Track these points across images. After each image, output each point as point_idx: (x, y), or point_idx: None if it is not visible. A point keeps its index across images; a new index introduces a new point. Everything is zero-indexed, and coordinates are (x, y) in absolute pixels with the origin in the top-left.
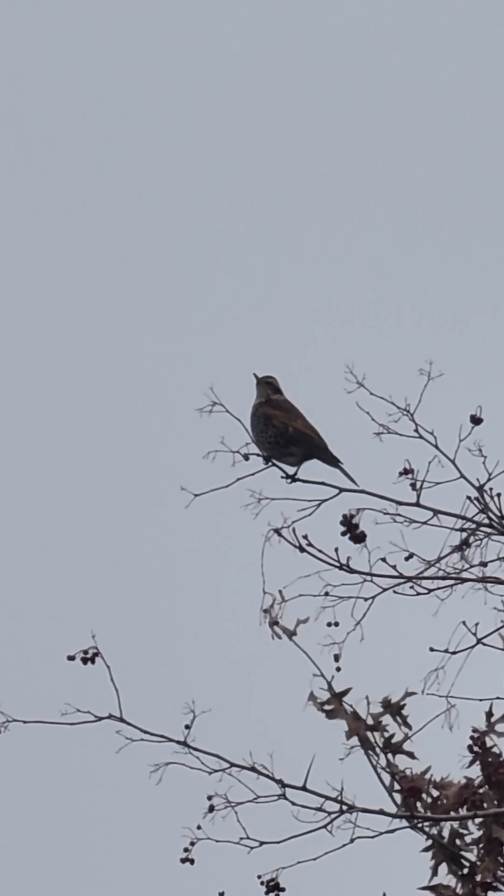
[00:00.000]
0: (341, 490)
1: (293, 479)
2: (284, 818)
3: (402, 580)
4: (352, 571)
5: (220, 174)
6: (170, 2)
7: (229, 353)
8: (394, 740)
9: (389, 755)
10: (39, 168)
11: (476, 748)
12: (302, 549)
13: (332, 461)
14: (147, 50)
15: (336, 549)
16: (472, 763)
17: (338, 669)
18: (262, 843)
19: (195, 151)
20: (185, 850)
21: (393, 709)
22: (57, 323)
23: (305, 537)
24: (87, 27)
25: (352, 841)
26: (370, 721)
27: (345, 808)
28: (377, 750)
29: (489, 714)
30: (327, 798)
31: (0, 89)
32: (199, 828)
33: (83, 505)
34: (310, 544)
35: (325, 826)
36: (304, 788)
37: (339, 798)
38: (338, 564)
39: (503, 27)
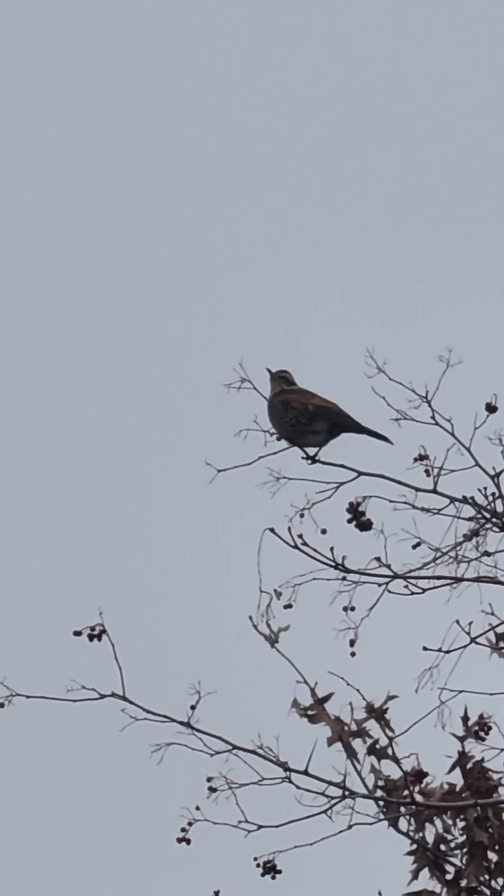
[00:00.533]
0: (360, 473)
1: (314, 459)
2: (283, 803)
3: (397, 578)
4: (346, 571)
5: (236, 162)
6: (170, 2)
7: (255, 336)
8: (378, 745)
9: (374, 759)
10: (49, 161)
11: (482, 734)
12: (296, 548)
13: (360, 428)
14: (147, 50)
15: (332, 549)
16: (452, 769)
17: (353, 654)
18: (260, 827)
19: (219, 134)
20: (183, 829)
21: (377, 713)
22: (87, 301)
23: (300, 536)
24: (87, 27)
25: (349, 827)
26: (354, 727)
27: (347, 793)
28: (358, 757)
29: (465, 718)
30: (330, 783)
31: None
32: (197, 808)
33: (97, 481)
34: (305, 543)
35: (325, 811)
36: (306, 773)
37: (343, 783)
38: (332, 564)
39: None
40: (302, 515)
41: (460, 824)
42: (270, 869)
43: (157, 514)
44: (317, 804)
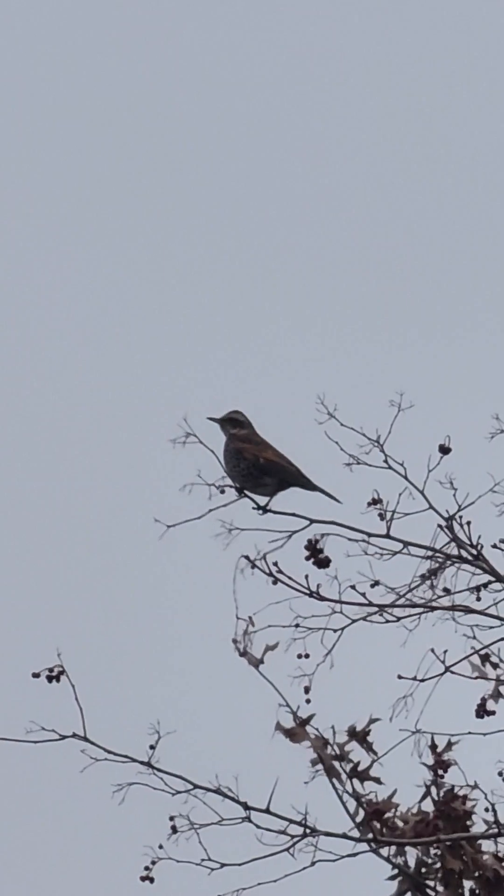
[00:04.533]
0: (312, 521)
1: (265, 510)
2: (246, 841)
3: (371, 608)
4: (322, 599)
5: (192, 204)
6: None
7: (203, 383)
8: (360, 768)
9: (356, 782)
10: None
11: (441, 772)
12: (272, 577)
13: (309, 485)
14: (147, 51)
15: (306, 577)
16: (423, 798)
17: (308, 701)
18: (223, 865)
19: (169, 185)
20: (146, 868)
21: (358, 736)
22: (36, 348)
23: (276, 564)
24: (87, 27)
25: (312, 864)
26: (336, 750)
27: (308, 831)
28: (343, 777)
29: (433, 746)
30: (291, 821)
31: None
32: (160, 847)
33: (56, 527)
34: (280, 571)
35: (287, 849)
36: (267, 811)
37: (304, 821)
38: (308, 592)
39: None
40: (253, 567)
41: (433, 852)
42: None
43: (114, 557)
44: (279, 842)
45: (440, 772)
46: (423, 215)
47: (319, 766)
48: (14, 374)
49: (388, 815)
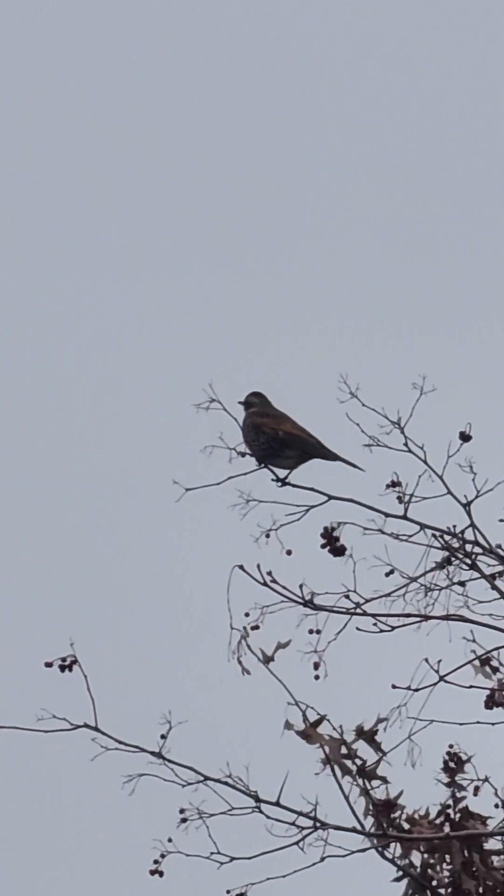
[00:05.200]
0: (330, 497)
1: (284, 483)
2: (256, 834)
3: (366, 617)
4: (316, 608)
5: (217, 185)
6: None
7: (227, 357)
8: (367, 767)
9: (364, 781)
10: (30, 173)
11: (452, 764)
12: (266, 586)
13: (330, 455)
14: (147, 51)
15: (301, 586)
16: (437, 815)
17: (316, 678)
18: (232, 859)
19: (185, 171)
20: (156, 861)
21: (366, 735)
22: (56, 316)
23: (269, 573)
24: (86, 26)
25: (322, 860)
26: (344, 749)
27: (318, 824)
28: (354, 775)
29: (448, 764)
30: (301, 814)
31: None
32: (170, 840)
33: (67, 506)
34: (274, 580)
35: (297, 843)
36: (277, 804)
37: (314, 814)
38: (301, 601)
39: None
40: (268, 536)
41: (446, 869)
42: None
43: (127, 537)
44: (289, 835)
45: (456, 792)
46: (451, 197)
47: (327, 766)
48: (39, 339)
49: (394, 815)
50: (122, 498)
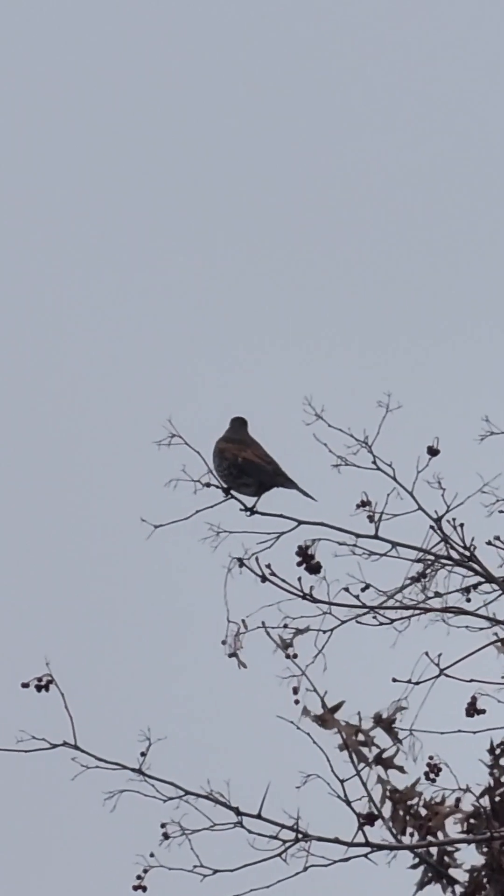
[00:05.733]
0: (300, 522)
1: (252, 511)
2: (238, 847)
3: (363, 610)
4: (315, 601)
5: (192, 204)
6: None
7: (190, 385)
8: (384, 755)
9: (381, 769)
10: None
11: (433, 776)
12: (265, 579)
13: (288, 483)
14: (147, 51)
15: (299, 579)
16: (482, 794)
17: (296, 702)
18: (215, 871)
19: (162, 185)
20: (139, 877)
21: (384, 724)
22: (26, 348)
23: (269, 566)
24: (87, 26)
25: (305, 869)
26: (361, 737)
27: (300, 836)
28: (369, 763)
29: (492, 748)
30: (283, 826)
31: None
32: (152, 855)
33: (41, 533)
34: (273, 574)
35: (279, 854)
36: (259, 816)
37: (296, 826)
38: (301, 594)
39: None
40: (241, 565)
41: (484, 848)
42: None
43: (101, 562)
44: (271, 847)
45: (432, 776)
46: (414, 217)
47: (332, 759)
48: (3, 374)
49: (411, 802)
50: (93, 529)
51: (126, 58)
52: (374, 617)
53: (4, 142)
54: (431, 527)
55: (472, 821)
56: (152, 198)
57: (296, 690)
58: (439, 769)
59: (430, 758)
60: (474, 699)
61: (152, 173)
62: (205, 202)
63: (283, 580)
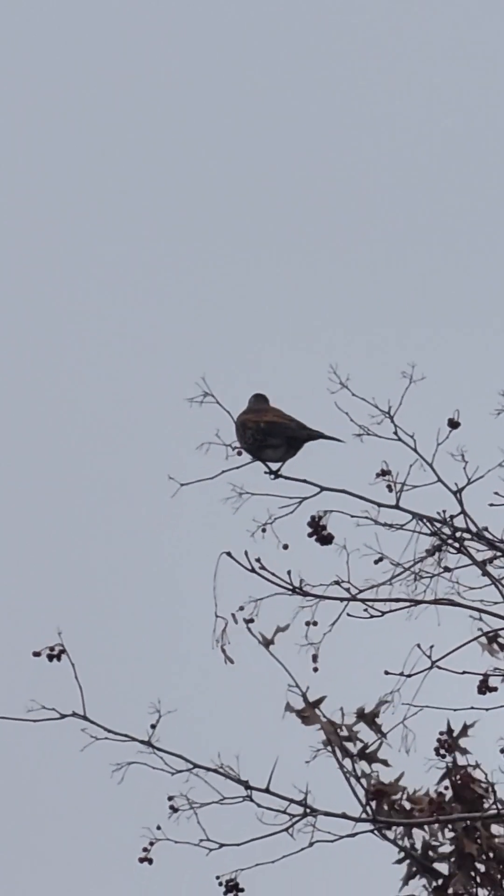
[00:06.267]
0: (322, 489)
1: (276, 475)
2: (245, 821)
3: (355, 602)
4: (304, 595)
5: (215, 173)
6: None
7: (219, 350)
8: (368, 749)
9: (364, 763)
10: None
11: (443, 751)
12: (254, 572)
13: (314, 434)
14: (146, 51)
15: (289, 572)
16: (441, 779)
17: (315, 670)
18: (221, 846)
19: (188, 151)
20: (144, 849)
21: (367, 718)
22: (48, 313)
23: (258, 560)
24: (86, 25)
25: (311, 844)
26: (344, 732)
27: (308, 811)
28: (353, 758)
29: (450, 731)
30: (291, 801)
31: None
32: (158, 828)
33: (56, 498)
34: (263, 567)
35: (286, 829)
36: (267, 791)
37: (304, 801)
38: (290, 588)
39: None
40: (264, 531)
41: (449, 834)
42: (233, 888)
43: (119, 529)
44: (278, 822)
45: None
46: (441, 186)
47: (328, 748)
48: (32, 335)
49: (395, 797)
50: (115, 491)
51: (126, 58)
52: (365, 609)
53: (4, 142)
54: (453, 492)
55: (437, 806)
56: (182, 167)
57: (315, 658)
58: (450, 746)
59: (441, 734)
60: (486, 676)
61: (170, 152)
62: (236, 175)
63: (273, 573)
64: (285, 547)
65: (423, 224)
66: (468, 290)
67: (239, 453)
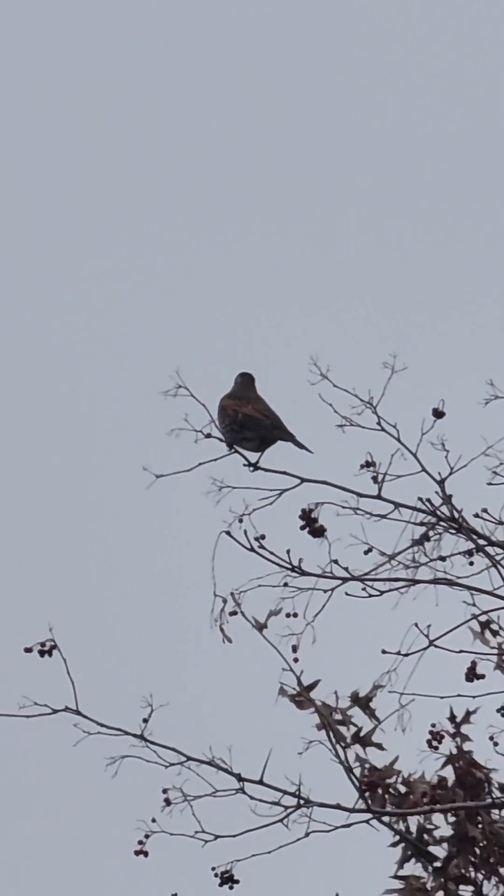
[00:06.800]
0: (303, 480)
1: (255, 467)
2: (240, 812)
3: (354, 582)
4: (304, 574)
5: (194, 162)
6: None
7: (197, 341)
8: (362, 733)
9: (359, 748)
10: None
11: (435, 743)
12: (254, 551)
13: (286, 436)
14: (147, 51)
15: (288, 552)
16: (444, 765)
17: (295, 660)
18: (217, 837)
19: (175, 149)
20: (140, 842)
21: (361, 702)
22: (25, 305)
23: (257, 539)
24: (86, 25)
25: (307, 835)
26: (338, 716)
27: (302, 802)
28: (347, 742)
29: (453, 717)
30: (285, 792)
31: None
32: (153, 821)
33: (41, 492)
34: (262, 546)
35: (281, 820)
36: (261, 782)
37: (297, 792)
38: (289, 567)
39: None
40: (241, 521)
41: (451, 819)
42: (228, 879)
43: (106, 524)
44: (273, 813)
45: (434, 744)
46: (423, 179)
47: (322, 732)
48: (7, 329)
49: (390, 781)
50: (95, 485)
51: (126, 58)
52: (364, 589)
53: (5, 141)
54: (427, 500)
55: (438, 791)
56: (162, 157)
57: (295, 648)
58: (441, 737)
59: (433, 725)
60: (474, 664)
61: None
62: (216, 163)
63: (272, 552)
64: (262, 537)
65: (405, 213)
66: (453, 279)
67: (207, 437)
